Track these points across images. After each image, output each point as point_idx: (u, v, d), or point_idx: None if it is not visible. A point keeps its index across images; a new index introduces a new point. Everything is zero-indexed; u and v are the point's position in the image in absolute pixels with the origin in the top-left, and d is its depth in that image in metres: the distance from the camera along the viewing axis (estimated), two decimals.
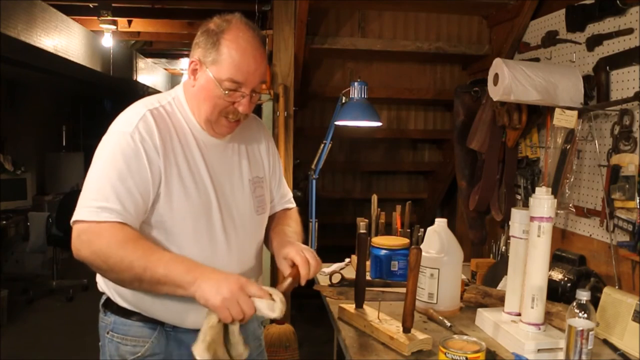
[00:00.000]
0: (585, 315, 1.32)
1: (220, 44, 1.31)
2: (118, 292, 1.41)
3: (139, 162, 1.29)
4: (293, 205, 1.70)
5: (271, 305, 1.19)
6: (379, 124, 2.74)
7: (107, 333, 1.43)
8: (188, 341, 1.41)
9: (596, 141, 2.08)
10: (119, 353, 1.41)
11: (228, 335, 1.24)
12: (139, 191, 1.28)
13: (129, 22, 4.76)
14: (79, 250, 1.26)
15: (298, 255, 1.35)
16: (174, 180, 1.33)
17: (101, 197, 1.25)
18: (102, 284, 1.46)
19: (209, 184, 1.38)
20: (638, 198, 1.82)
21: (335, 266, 2.41)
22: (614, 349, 1.57)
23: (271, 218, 1.61)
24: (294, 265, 1.35)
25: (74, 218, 1.27)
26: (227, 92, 1.32)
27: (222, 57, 1.31)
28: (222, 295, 1.16)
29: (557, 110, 2.06)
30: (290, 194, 1.71)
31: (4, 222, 5.10)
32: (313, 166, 2.87)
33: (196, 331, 1.41)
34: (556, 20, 2.41)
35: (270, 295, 1.21)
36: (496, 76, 2.12)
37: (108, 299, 1.45)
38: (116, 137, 1.31)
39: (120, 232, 1.24)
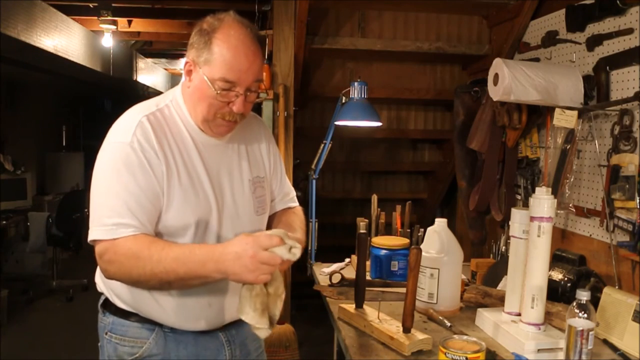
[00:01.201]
0: (585, 315, 1.32)
1: (212, 43, 1.29)
2: (116, 293, 1.41)
3: (144, 171, 1.28)
4: (296, 203, 1.68)
5: (287, 249, 1.22)
6: (379, 124, 2.74)
7: (106, 334, 1.43)
8: (186, 342, 1.42)
9: (596, 141, 2.08)
10: (117, 354, 1.41)
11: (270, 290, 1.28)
12: (149, 200, 1.28)
13: (129, 22, 4.76)
14: (106, 271, 1.28)
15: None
16: (174, 185, 1.32)
17: (114, 214, 1.25)
18: (100, 284, 1.46)
19: (208, 187, 1.37)
20: (638, 198, 1.82)
21: (335, 266, 2.41)
22: (614, 349, 1.58)
23: (273, 216, 1.61)
24: None
25: (91, 237, 1.28)
26: (219, 92, 1.30)
27: (214, 57, 1.29)
28: (249, 271, 1.18)
29: (557, 110, 2.06)
30: (294, 193, 1.69)
31: (4, 222, 5.10)
32: (313, 166, 2.86)
33: (193, 332, 1.41)
34: (556, 20, 2.41)
35: (282, 239, 1.22)
36: (496, 76, 2.12)
37: (106, 300, 1.45)
38: (115, 148, 1.30)
39: (134, 243, 1.24)
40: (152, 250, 1.23)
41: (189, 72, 1.35)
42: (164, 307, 1.36)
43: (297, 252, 1.22)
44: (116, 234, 1.24)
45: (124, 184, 1.26)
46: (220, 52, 1.28)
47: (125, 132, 1.30)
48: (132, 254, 1.23)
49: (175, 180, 1.32)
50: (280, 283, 1.29)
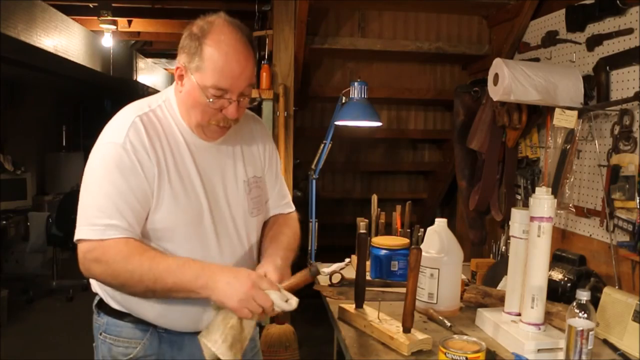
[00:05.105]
0: (585, 315, 1.32)
1: (203, 50, 1.27)
2: (110, 293, 1.40)
3: (136, 173, 1.28)
4: (292, 208, 1.65)
5: (284, 297, 1.22)
6: (379, 124, 2.74)
7: (100, 334, 1.43)
8: (180, 343, 1.42)
9: (596, 141, 2.08)
10: (111, 354, 1.40)
11: (243, 328, 1.27)
12: (139, 203, 1.28)
13: (129, 22, 4.76)
14: (89, 270, 1.28)
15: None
16: (165, 187, 1.31)
17: (104, 215, 1.25)
18: (95, 284, 1.45)
19: (199, 189, 1.36)
20: (638, 198, 1.82)
21: (335, 266, 2.41)
22: (614, 349, 1.57)
23: (266, 223, 1.57)
24: None
25: (77, 237, 1.27)
26: (212, 99, 1.29)
27: (205, 64, 1.27)
28: (238, 297, 1.20)
29: (557, 110, 2.06)
30: (289, 197, 1.66)
31: (4, 222, 5.10)
32: (313, 166, 2.86)
33: (187, 334, 1.40)
34: (556, 20, 2.41)
35: (279, 289, 1.23)
36: (496, 76, 2.12)
37: (101, 300, 1.44)
38: (108, 149, 1.30)
39: (125, 246, 1.24)
40: (145, 256, 1.24)
41: (181, 77, 1.34)
42: (157, 309, 1.36)
43: (293, 303, 1.23)
44: (105, 235, 1.24)
45: (115, 184, 1.27)
46: (211, 59, 1.27)
47: (118, 132, 1.30)
48: (122, 257, 1.23)
49: (165, 182, 1.31)
50: (251, 329, 1.29)
